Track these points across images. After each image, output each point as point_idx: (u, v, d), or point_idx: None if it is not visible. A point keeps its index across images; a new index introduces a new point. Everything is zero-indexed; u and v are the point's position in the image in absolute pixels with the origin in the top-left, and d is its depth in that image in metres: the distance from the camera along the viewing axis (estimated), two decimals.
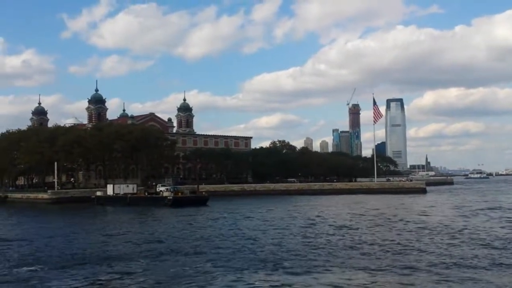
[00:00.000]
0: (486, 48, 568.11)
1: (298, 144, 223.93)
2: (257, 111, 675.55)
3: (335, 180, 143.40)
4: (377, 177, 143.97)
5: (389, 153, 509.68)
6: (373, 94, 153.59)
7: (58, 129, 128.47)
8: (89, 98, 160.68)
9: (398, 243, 36.09)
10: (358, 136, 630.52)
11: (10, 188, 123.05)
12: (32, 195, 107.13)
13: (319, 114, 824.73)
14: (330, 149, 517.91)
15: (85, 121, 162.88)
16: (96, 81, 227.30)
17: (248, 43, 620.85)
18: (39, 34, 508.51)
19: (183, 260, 30.87)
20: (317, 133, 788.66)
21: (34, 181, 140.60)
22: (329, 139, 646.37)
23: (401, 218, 56.24)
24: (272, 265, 28.59)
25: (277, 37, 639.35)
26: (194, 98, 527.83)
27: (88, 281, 25.53)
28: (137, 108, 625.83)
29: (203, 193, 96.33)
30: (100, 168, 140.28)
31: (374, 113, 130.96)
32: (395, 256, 30.87)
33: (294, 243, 37.29)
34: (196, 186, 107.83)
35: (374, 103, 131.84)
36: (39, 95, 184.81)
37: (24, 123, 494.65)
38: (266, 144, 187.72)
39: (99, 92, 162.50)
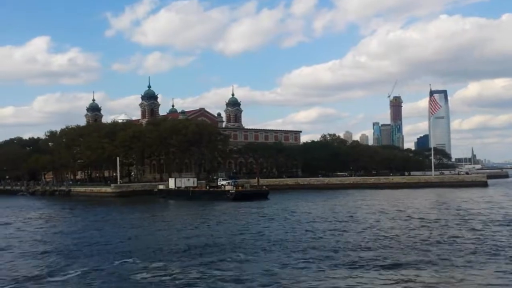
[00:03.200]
0: None
1: None
2: (295, 106, 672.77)
3: (391, 174, 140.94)
4: (430, 171, 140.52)
5: (432, 146, 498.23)
6: (430, 85, 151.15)
7: (116, 125, 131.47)
8: (142, 94, 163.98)
9: None
10: (399, 129, 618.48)
11: (71, 183, 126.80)
12: (95, 189, 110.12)
13: (358, 107, 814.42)
14: (370, 143, 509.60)
15: (134, 117, 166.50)
16: (149, 77, 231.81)
17: (288, 36, 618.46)
18: (84, 33, 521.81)
19: (273, 255, 30.66)
20: (356, 126, 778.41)
21: (91, 175, 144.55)
22: (369, 133, 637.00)
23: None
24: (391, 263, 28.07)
25: (317, 29, 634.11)
26: (235, 93, 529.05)
27: (184, 273, 25.72)
28: (178, 104, 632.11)
29: (264, 187, 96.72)
30: (154, 162, 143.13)
31: (431, 105, 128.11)
32: None
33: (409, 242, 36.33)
34: (255, 180, 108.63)
35: (431, 94, 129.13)
36: (93, 92, 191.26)
37: (70, 120, 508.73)
38: (305, 138, 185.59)
39: (151, 88, 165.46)
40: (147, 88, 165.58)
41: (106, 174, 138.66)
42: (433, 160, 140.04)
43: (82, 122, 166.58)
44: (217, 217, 56.47)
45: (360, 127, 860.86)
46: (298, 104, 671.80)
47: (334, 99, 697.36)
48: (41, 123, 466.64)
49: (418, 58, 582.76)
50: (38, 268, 28.29)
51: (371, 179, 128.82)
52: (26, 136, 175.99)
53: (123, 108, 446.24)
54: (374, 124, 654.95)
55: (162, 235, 41.10)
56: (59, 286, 24.50)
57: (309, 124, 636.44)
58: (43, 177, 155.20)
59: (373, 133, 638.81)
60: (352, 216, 53.34)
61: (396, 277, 24.15)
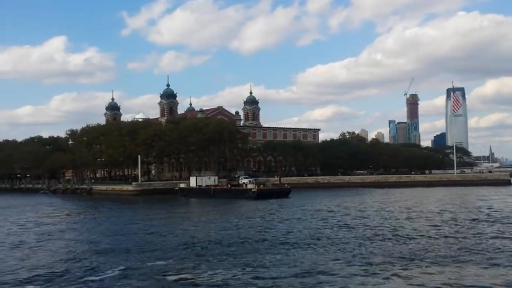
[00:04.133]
0: None
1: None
2: (310, 104, 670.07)
3: (412, 173, 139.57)
4: (450, 169, 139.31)
5: (449, 144, 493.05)
6: (452, 82, 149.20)
7: (137, 123, 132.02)
8: (161, 93, 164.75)
9: None
10: (416, 127, 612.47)
11: (93, 181, 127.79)
12: (117, 187, 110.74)
13: (374, 106, 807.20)
14: (386, 141, 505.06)
15: (150, 116, 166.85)
16: (167, 76, 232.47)
17: (303, 34, 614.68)
18: (101, 32, 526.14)
19: (311, 254, 30.14)
20: (372, 124, 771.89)
21: (111, 174, 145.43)
22: (385, 131, 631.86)
23: None
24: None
25: (332, 27, 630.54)
26: (249, 92, 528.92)
27: (219, 273, 25.31)
28: (193, 102, 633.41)
29: (286, 185, 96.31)
30: (173, 161, 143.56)
31: (454, 102, 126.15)
32: None
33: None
34: (275, 178, 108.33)
35: (453, 91, 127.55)
36: (112, 91, 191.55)
37: (87, 119, 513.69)
38: (321, 136, 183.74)
39: (170, 87, 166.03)
40: (166, 87, 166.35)
41: (125, 172, 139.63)
42: (455, 158, 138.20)
43: (99, 121, 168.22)
44: (242, 215, 56.12)
45: (375, 125, 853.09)
46: (313, 103, 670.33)
47: (349, 97, 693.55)
48: (57, 122, 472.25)
49: (435, 56, 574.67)
50: (75, 267, 28.07)
51: (393, 178, 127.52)
52: (43, 135, 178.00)
53: (138, 107, 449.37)
54: (390, 122, 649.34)
55: (192, 234, 40.67)
56: (99, 285, 24.23)
57: (324, 122, 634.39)
58: (64, 175, 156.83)
59: (389, 131, 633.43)
60: (399, 219, 51.89)
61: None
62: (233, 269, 26.36)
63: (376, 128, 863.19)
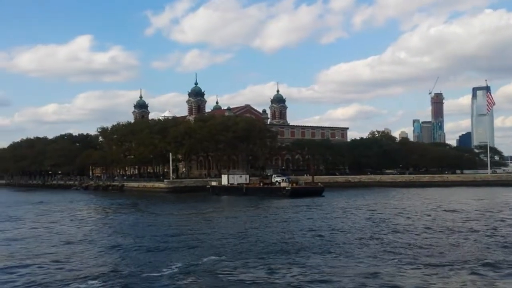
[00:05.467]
0: None
1: None
2: (332, 102, 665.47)
3: (446, 172, 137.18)
4: (481, 169, 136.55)
5: (475, 144, 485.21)
6: (486, 80, 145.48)
7: (167, 121, 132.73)
8: (189, 91, 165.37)
9: None
10: (441, 127, 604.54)
11: (125, 178, 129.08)
12: (148, 184, 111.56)
13: (397, 104, 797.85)
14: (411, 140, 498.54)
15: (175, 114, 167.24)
16: (196, 74, 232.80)
17: (326, 32, 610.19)
18: (125, 31, 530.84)
19: (362, 255, 29.09)
20: (395, 124, 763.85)
21: (140, 171, 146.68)
22: (409, 130, 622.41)
23: None
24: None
25: (356, 25, 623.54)
26: (271, 90, 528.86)
27: (272, 272, 24.67)
28: (214, 101, 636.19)
29: (319, 184, 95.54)
30: (200, 158, 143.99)
31: (488, 101, 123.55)
32: None
33: None
34: (304, 177, 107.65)
35: (488, 90, 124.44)
36: (140, 90, 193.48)
37: (110, 117, 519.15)
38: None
39: (198, 85, 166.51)
40: (194, 85, 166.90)
41: (154, 170, 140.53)
42: (488, 158, 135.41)
43: (123, 118, 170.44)
44: (282, 213, 55.65)
45: (399, 124, 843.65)
46: (336, 101, 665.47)
47: (372, 95, 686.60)
48: (82, 120, 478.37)
49: (461, 54, 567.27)
50: (132, 263, 27.80)
51: (425, 177, 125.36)
52: (69, 133, 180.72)
53: (162, 105, 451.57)
54: (414, 121, 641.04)
55: (236, 231, 40.30)
56: (160, 281, 23.94)
57: (347, 121, 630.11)
58: (92, 173, 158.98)
59: (413, 130, 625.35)
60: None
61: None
62: (286, 267, 25.86)
63: (399, 127, 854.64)
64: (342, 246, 32.19)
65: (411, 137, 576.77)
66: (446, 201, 70.19)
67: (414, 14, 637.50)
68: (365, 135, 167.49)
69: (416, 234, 36.57)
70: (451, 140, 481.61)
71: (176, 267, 26.53)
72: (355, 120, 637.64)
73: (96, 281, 23.68)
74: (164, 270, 26.04)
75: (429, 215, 50.19)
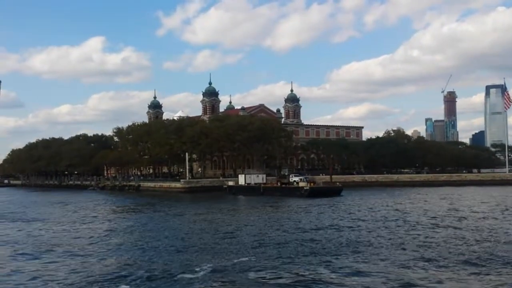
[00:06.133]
0: None
1: None
2: (343, 101, 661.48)
3: (464, 171, 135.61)
4: (498, 168, 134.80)
5: (488, 142, 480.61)
6: (503, 78, 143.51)
7: (183, 121, 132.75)
8: (203, 91, 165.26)
9: None
10: (454, 125, 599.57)
11: (141, 178, 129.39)
12: (165, 184, 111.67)
13: (410, 103, 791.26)
14: None
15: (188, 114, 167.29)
16: (210, 74, 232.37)
17: (338, 31, 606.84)
18: (137, 32, 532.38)
19: (387, 254, 28.83)
20: (408, 122, 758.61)
21: (156, 171, 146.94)
22: (421, 129, 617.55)
23: None
24: None
25: (368, 24, 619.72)
26: (282, 90, 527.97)
27: (299, 274, 24.44)
28: (226, 100, 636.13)
29: (337, 183, 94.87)
30: (215, 158, 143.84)
31: (506, 99, 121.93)
32: None
33: None
34: (320, 176, 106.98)
35: (505, 88, 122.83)
36: (154, 90, 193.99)
37: (123, 117, 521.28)
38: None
39: (212, 85, 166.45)
40: (208, 85, 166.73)
41: (168, 170, 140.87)
42: (507, 157, 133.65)
43: (135, 118, 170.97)
44: (303, 213, 55.23)
45: (412, 123, 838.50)
46: (347, 100, 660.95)
47: (384, 94, 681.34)
48: (95, 121, 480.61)
49: (474, 52, 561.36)
50: (162, 265, 27.53)
51: (443, 176, 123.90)
52: (82, 133, 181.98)
53: (174, 105, 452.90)
54: (426, 120, 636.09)
55: (263, 232, 39.90)
56: (194, 283, 23.67)
57: (358, 120, 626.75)
58: (107, 173, 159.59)
59: (426, 129, 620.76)
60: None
61: None
62: (314, 268, 25.59)
63: (412, 126, 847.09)
64: (371, 245, 31.69)
65: (423, 136, 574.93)
66: (493, 201, 66.97)
67: (426, 12, 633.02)
68: (377, 134, 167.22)
69: None
70: (464, 139, 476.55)
71: (208, 267, 26.32)
72: (367, 119, 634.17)
73: (124, 284, 23.54)
74: (197, 271, 25.82)
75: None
